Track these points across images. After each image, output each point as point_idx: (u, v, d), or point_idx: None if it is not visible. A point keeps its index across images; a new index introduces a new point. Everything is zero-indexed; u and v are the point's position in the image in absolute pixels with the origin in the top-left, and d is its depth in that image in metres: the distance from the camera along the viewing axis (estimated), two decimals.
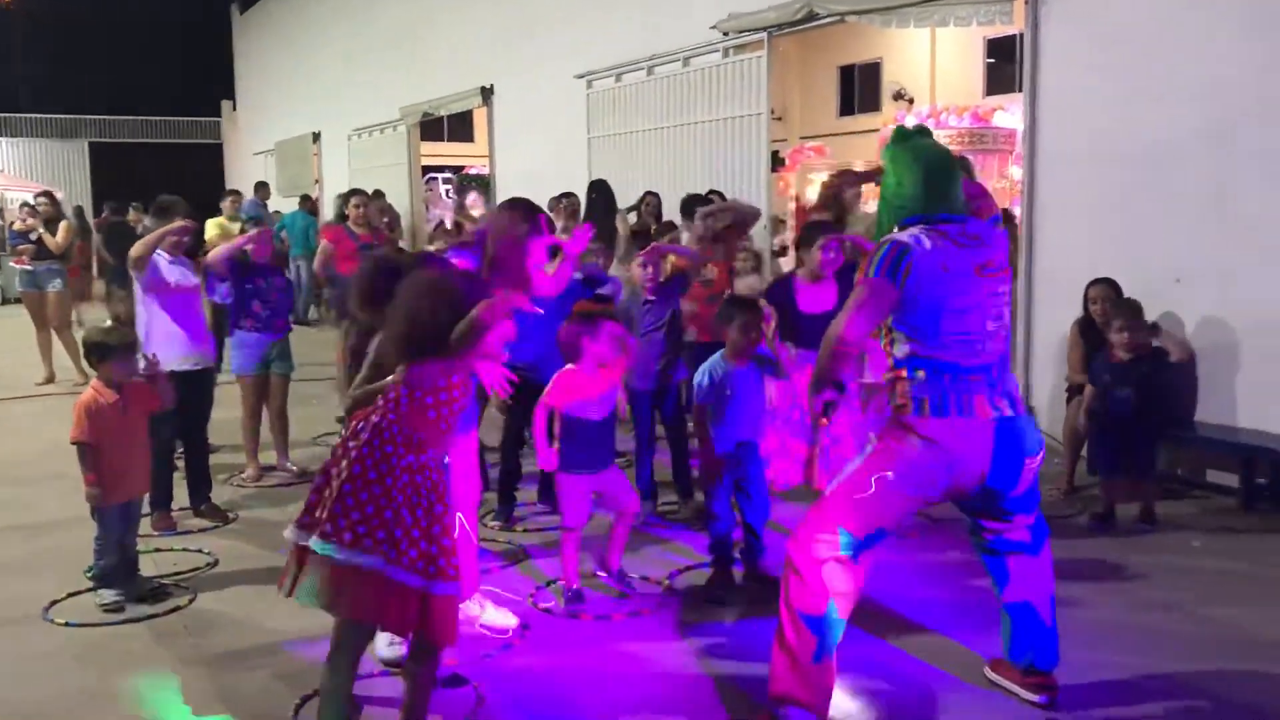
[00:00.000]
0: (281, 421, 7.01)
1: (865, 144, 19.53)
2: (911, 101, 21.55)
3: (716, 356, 4.84)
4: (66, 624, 4.54)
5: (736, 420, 4.73)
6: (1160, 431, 5.79)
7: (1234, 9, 6.16)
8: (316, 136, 20.85)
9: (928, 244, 3.38)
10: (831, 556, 3.40)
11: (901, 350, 3.48)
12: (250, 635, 4.42)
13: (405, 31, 17.09)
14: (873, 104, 22.13)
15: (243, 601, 4.79)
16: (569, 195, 9.58)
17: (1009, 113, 18.76)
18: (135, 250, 5.91)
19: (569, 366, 4.62)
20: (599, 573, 4.81)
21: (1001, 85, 20.24)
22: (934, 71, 21.36)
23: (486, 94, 14.41)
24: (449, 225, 13.42)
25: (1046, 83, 7.19)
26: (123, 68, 32.35)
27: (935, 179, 3.50)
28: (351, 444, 3.20)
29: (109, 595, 4.70)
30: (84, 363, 5.01)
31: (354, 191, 9.04)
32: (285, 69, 23.08)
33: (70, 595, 4.84)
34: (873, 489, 3.42)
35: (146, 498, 5.27)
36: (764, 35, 9.38)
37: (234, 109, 28.38)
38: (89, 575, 4.92)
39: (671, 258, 6.24)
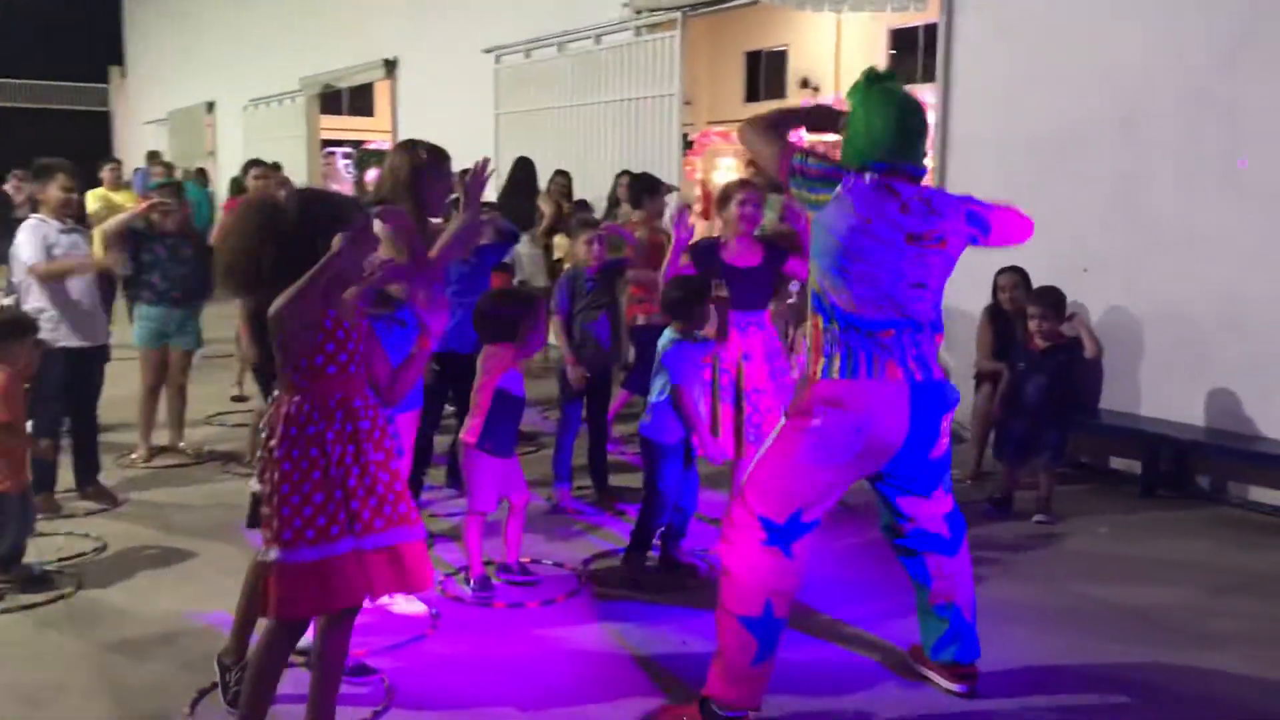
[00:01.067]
0: (180, 399, 6.71)
1: None
2: (817, 89, 21.75)
3: (670, 334, 4.70)
4: None
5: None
6: (1069, 419, 5.86)
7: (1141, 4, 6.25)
8: (211, 106, 20.16)
9: (870, 196, 3.26)
10: (757, 548, 3.31)
11: (820, 293, 3.36)
12: (140, 624, 4.18)
13: None
14: (778, 91, 22.27)
15: (133, 589, 4.55)
16: (626, 173, 9.38)
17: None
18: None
19: (502, 344, 4.46)
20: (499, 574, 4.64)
21: (904, 76, 20.55)
22: (839, 60, 21.58)
23: (390, 66, 14.04)
24: None
25: (959, 69, 7.23)
26: (4, 29, 30.83)
27: (907, 125, 3.35)
28: (272, 444, 2.94)
29: None
30: None
31: (253, 162, 8.72)
32: (179, 35, 22.22)
33: None
34: (783, 468, 3.32)
35: None
36: (678, 15, 9.28)
37: (123, 76, 27.27)
38: None
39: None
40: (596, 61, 10.33)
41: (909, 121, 3.36)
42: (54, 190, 5.54)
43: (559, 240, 8.24)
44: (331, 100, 18.49)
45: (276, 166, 11.78)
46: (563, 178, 9.70)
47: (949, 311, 7.13)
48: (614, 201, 9.04)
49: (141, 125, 23.87)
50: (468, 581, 4.50)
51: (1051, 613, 4.40)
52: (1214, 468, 6.01)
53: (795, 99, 21.47)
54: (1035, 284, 6.12)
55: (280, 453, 2.89)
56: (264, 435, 3.00)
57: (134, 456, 6.52)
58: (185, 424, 6.85)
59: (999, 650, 3.90)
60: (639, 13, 9.71)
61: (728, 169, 16.13)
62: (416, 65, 13.65)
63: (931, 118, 8.87)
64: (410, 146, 4.22)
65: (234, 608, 3.62)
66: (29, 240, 5.44)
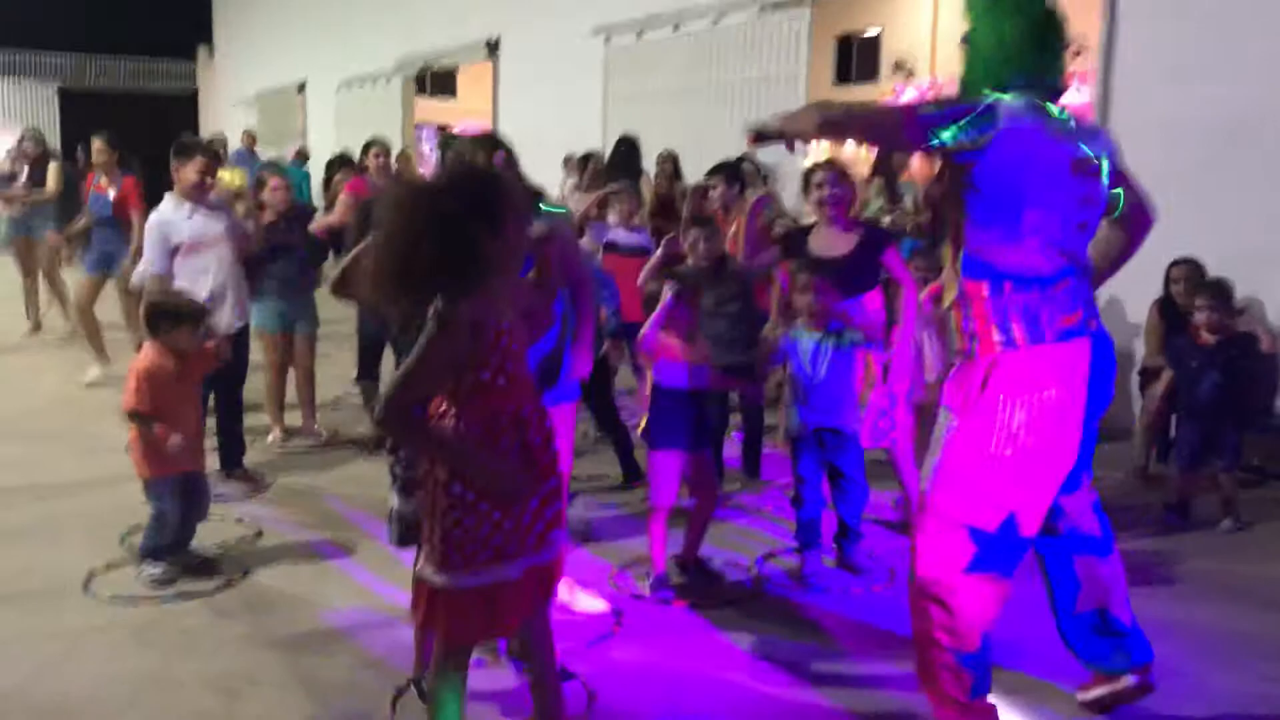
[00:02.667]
0: (308, 384, 6.62)
1: None
2: (911, 73, 21.28)
3: (797, 325, 4.50)
4: (114, 597, 4.16)
5: (815, 398, 4.41)
6: (1246, 419, 5.53)
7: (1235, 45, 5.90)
8: (302, 86, 20.19)
9: (1027, 122, 2.79)
10: (969, 567, 2.92)
11: (975, 249, 2.91)
12: (315, 616, 4.06)
13: None
14: (870, 73, 21.80)
15: (298, 578, 4.43)
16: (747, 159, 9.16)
17: None
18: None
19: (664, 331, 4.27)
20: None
21: None
22: (935, 44, 21.06)
23: (493, 47, 13.89)
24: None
25: (1124, 45, 6.89)
26: (94, 5, 31.21)
27: (1046, 31, 2.91)
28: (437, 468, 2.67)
29: (156, 569, 4.31)
30: (140, 324, 4.57)
31: (373, 142, 8.58)
32: (269, 14, 22.29)
33: (110, 567, 4.46)
34: (978, 463, 2.88)
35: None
36: None
37: (211, 55, 27.48)
38: (126, 544, 4.55)
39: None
40: (715, 41, 10.09)
41: (1048, 26, 2.92)
42: (190, 171, 5.42)
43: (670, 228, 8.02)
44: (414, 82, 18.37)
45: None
46: (668, 161, 9.46)
47: (1112, 305, 6.98)
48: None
49: (231, 106, 23.98)
50: (646, 577, 4.31)
51: (1231, 630, 4.05)
52: None
53: (888, 83, 21.04)
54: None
55: (447, 475, 2.63)
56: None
57: (270, 439, 6.43)
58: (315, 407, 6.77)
59: (1174, 668, 3.59)
60: None
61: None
62: (520, 47, 13.49)
63: (1079, 98, 8.50)
64: (492, 145, 3.75)
65: (401, 604, 3.53)
66: (147, 231, 5.38)
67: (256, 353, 6.14)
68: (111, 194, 8.44)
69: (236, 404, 5.68)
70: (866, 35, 21.94)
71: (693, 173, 9.45)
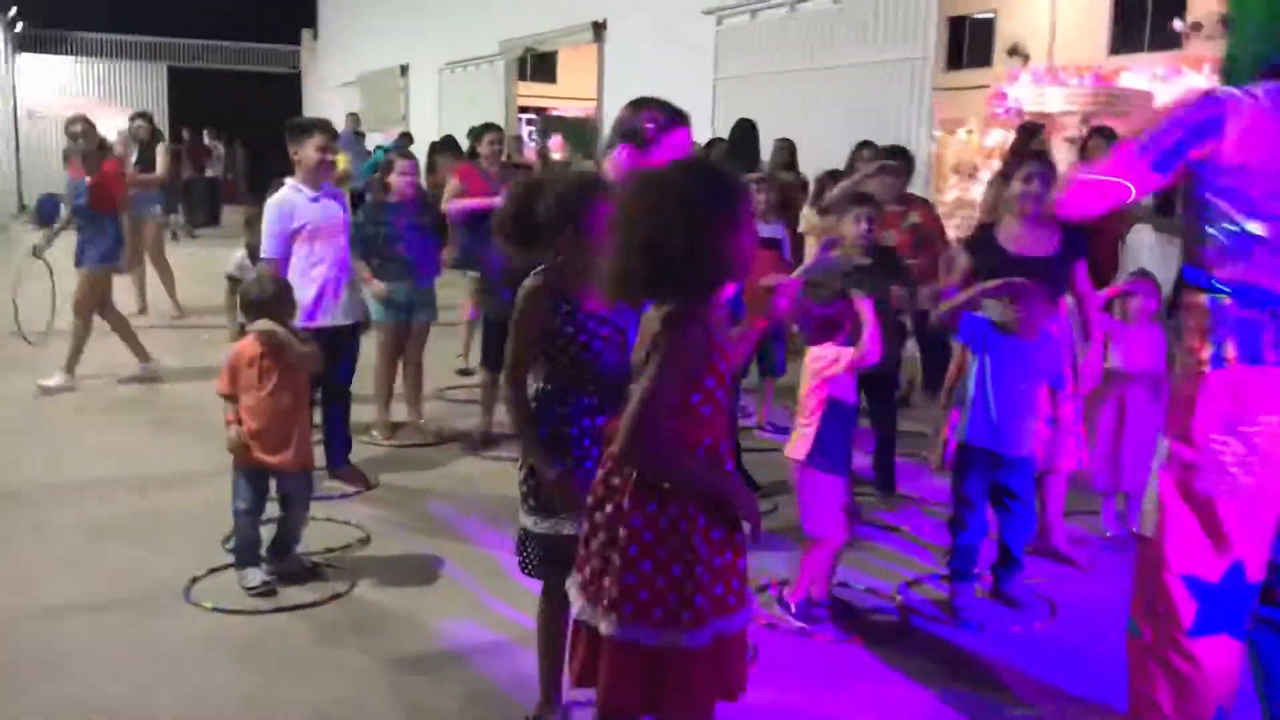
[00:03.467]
0: (418, 375, 6.36)
1: (975, 99, 18.54)
2: (1027, 58, 20.47)
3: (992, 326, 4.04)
4: (215, 609, 3.93)
5: (1001, 402, 3.96)
6: None
7: None
8: (405, 69, 20.13)
9: (1270, 106, 2.42)
10: (1194, 629, 2.53)
11: (1197, 259, 2.54)
12: (424, 636, 3.78)
13: None
14: (983, 59, 21.05)
15: (409, 594, 4.15)
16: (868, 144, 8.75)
17: (1134, 73, 17.73)
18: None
19: (828, 345, 3.88)
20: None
21: (1127, 45, 19.18)
22: (1054, 27, 20.24)
23: (599, 29, 13.58)
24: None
25: None
26: None
27: None
28: (628, 504, 2.28)
29: (256, 577, 4.07)
30: (238, 315, 4.33)
31: (487, 126, 8.30)
32: None
33: (211, 571, 4.23)
34: (1194, 500, 2.51)
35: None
36: None
37: (314, 38, 27.68)
38: (227, 547, 4.32)
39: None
40: (832, 21, 9.64)
41: None
42: (309, 150, 5.16)
43: (805, 214, 7.59)
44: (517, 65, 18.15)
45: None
46: (785, 145, 9.04)
47: None
48: (850, 173, 8.37)
49: (334, 88, 24.09)
50: (782, 601, 3.94)
51: None
52: None
53: (1001, 68, 20.28)
54: None
55: (639, 519, 2.27)
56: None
57: (375, 434, 6.18)
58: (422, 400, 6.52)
59: None
60: None
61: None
62: (627, 28, 13.15)
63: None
64: (638, 107, 3.32)
65: (518, 629, 3.30)
66: (266, 212, 5.13)
67: (367, 343, 5.90)
68: (88, 180, 7.37)
69: (343, 399, 5.43)
70: (979, 17, 21.21)
71: (805, 160, 9.05)
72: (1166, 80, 17.02)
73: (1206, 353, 2.52)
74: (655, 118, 3.24)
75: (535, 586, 3.02)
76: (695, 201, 2.22)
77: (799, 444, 3.86)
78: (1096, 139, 7.18)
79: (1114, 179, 2.58)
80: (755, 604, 3.71)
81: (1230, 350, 2.48)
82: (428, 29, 19.15)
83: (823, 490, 3.84)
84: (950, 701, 3.42)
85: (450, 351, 8.02)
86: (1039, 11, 20.36)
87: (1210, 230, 2.50)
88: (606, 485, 2.36)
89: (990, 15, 21.02)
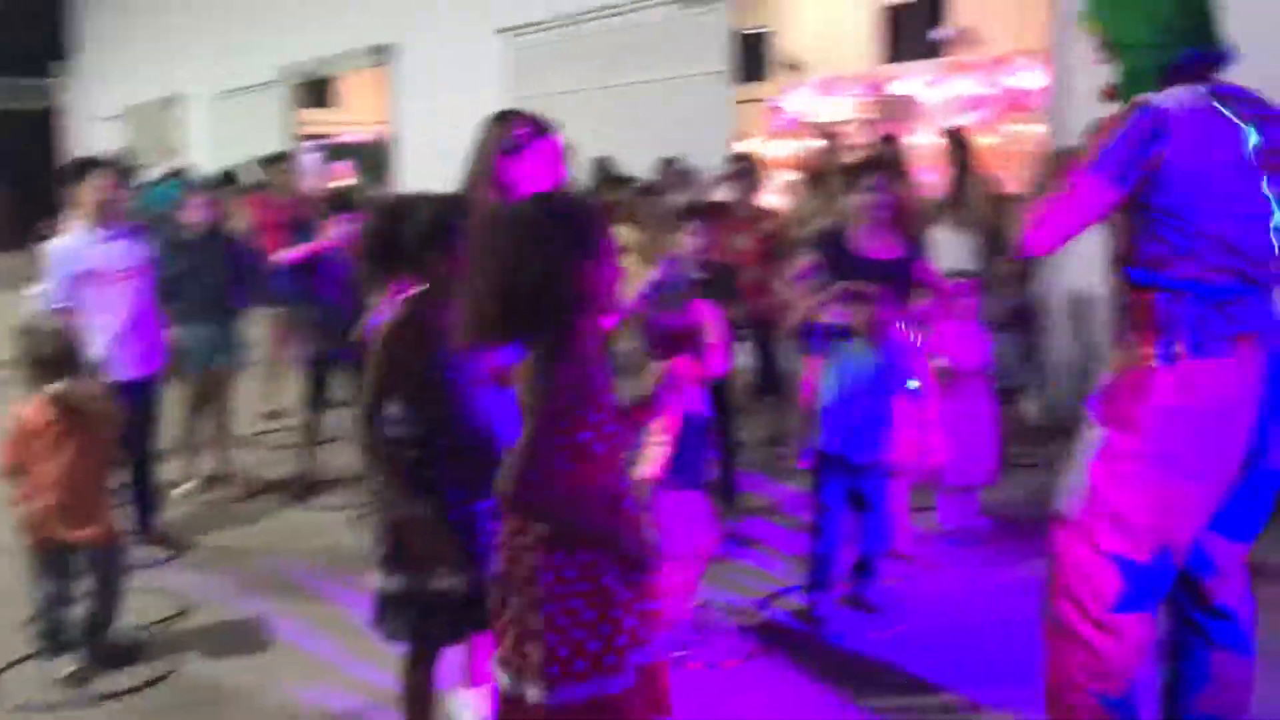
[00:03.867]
0: (226, 422, 5.94)
1: (755, 113, 19.05)
2: (803, 71, 21.15)
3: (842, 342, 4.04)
4: (20, 708, 3.49)
5: (854, 411, 3.96)
6: None
7: None
8: (175, 100, 19.10)
9: (1201, 107, 2.48)
10: (1118, 605, 2.57)
11: (1142, 261, 2.56)
12: (268, 710, 3.46)
13: None
14: (760, 73, 21.63)
15: (243, 664, 3.81)
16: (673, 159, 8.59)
17: (905, 80, 18.60)
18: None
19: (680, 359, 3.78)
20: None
21: (896, 54, 20.06)
22: (826, 40, 20.97)
23: (385, 52, 13.19)
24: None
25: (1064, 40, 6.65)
26: None
27: (1199, 1, 2.58)
28: (537, 560, 2.13)
29: (67, 665, 3.65)
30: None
31: (279, 155, 7.93)
32: (137, 24, 21.03)
33: (10, 665, 3.77)
34: (1135, 485, 2.53)
35: None
36: None
37: (69, 71, 25.99)
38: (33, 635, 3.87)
39: None
40: (631, 38, 9.65)
41: None
42: (87, 191, 4.67)
43: (621, 231, 7.53)
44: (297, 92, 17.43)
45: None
46: (604, 165, 9.01)
47: (1085, 300, 6.75)
48: (658, 190, 8.39)
49: (99, 122, 22.66)
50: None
51: None
52: None
53: (779, 82, 20.90)
54: None
55: (550, 574, 2.12)
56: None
57: (182, 491, 5.72)
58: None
59: None
60: None
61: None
62: (417, 50, 12.80)
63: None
64: (503, 119, 3.21)
65: (373, 690, 3.18)
66: (50, 263, 4.67)
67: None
68: None
69: (148, 457, 4.99)
70: (753, 32, 21.84)
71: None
72: (934, 86, 17.96)
73: (1155, 348, 2.55)
74: (524, 126, 3.14)
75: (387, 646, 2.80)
76: (547, 237, 2.10)
77: (651, 462, 3.74)
78: (887, 147, 7.45)
79: (1080, 203, 2.56)
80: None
81: (1179, 346, 2.52)
82: (199, 57, 18.21)
83: (681, 507, 3.74)
84: (822, 711, 3.37)
85: (255, 394, 7.56)
86: (811, 25, 21.08)
87: (1159, 232, 2.52)
88: (511, 545, 2.19)
89: (764, 30, 21.63)
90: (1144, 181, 2.50)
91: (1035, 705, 2.84)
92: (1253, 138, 2.51)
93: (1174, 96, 2.51)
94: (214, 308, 5.65)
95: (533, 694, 2.12)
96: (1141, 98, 2.53)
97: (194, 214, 5.60)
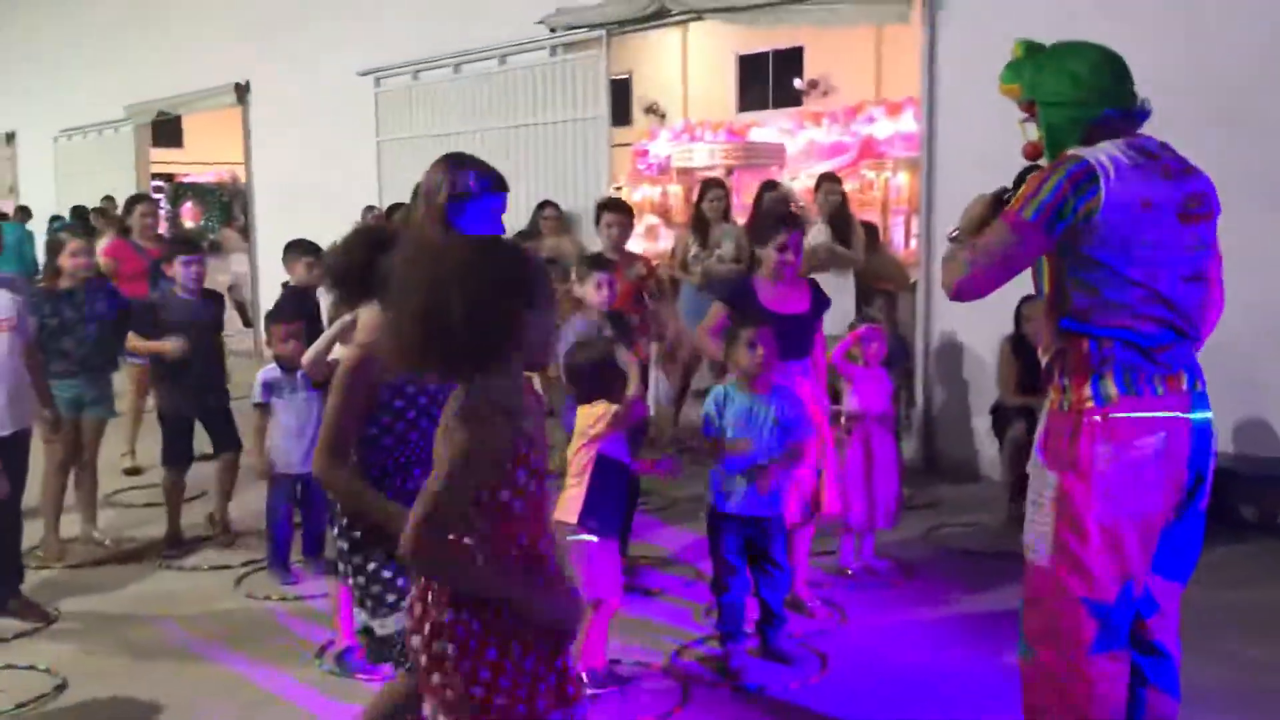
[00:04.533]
0: (92, 478, 5.59)
1: (619, 156, 19.22)
2: (664, 116, 21.49)
3: (727, 385, 4.06)
4: None
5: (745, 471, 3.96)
6: None
7: (1136, 19, 6.02)
8: (10, 137, 18.17)
9: (1126, 163, 2.58)
10: (1095, 647, 2.63)
11: (1075, 310, 2.64)
12: None
13: (133, 15, 15.00)
14: (623, 118, 21.86)
15: None
16: (550, 204, 8.48)
17: (763, 128, 19.06)
18: None
19: (599, 404, 3.73)
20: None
21: (754, 102, 20.56)
22: (686, 87, 21.37)
23: (242, 91, 12.80)
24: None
25: (943, 89, 6.89)
26: None
27: (1118, 65, 2.72)
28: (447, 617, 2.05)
29: None
30: None
31: (138, 198, 7.56)
32: None
33: None
34: (1087, 527, 2.60)
35: None
36: (601, 34, 8.66)
37: None
38: None
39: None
40: (502, 83, 9.58)
41: (1115, 64, 2.74)
42: None
43: None
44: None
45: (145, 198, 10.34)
46: None
47: (957, 342, 6.95)
48: (533, 234, 8.36)
49: None
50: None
51: (1225, 687, 3.82)
52: (1258, 497, 5.79)
53: (642, 124, 21.17)
54: None
55: (452, 617, 2.04)
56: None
57: (43, 554, 5.34)
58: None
59: None
60: (554, 31, 9.03)
61: None
62: (274, 90, 12.46)
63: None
64: (455, 165, 3.12)
65: None
66: None
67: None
68: None
69: (15, 520, 4.66)
70: (616, 78, 22.11)
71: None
72: (792, 133, 18.45)
73: (1089, 391, 2.62)
74: (477, 174, 3.06)
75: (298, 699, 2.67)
76: (478, 275, 2.03)
77: (569, 505, 3.68)
78: (828, 184, 7.59)
79: (1014, 251, 2.63)
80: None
81: (1112, 389, 2.61)
82: (38, 92, 17.35)
83: (596, 553, 3.67)
84: None
85: (115, 448, 7.14)
86: (671, 72, 21.45)
87: (1089, 281, 2.61)
88: (422, 599, 2.08)
89: (626, 76, 21.88)
90: (1074, 231, 2.58)
91: None
92: (1175, 184, 2.64)
93: (1101, 150, 2.60)
94: (90, 359, 5.35)
95: None
96: (1071, 151, 2.63)
97: (71, 262, 5.26)
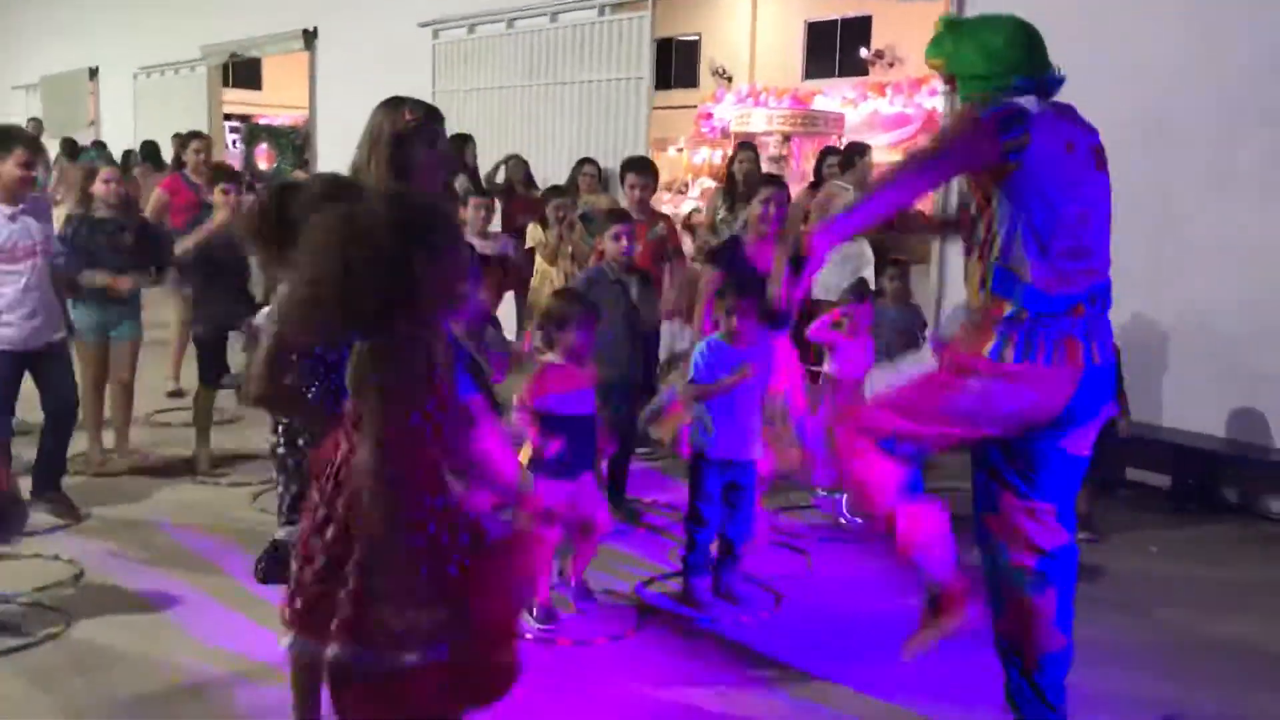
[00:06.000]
0: (126, 398, 5.98)
1: (683, 119, 19.35)
2: (730, 79, 21.52)
3: (712, 338, 4.30)
4: None
5: (732, 417, 4.20)
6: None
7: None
8: (94, 72, 18.79)
9: (1049, 116, 2.80)
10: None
11: (1010, 269, 2.84)
12: (156, 674, 3.58)
13: None
14: (690, 80, 21.94)
15: (133, 627, 3.93)
16: (589, 161, 8.60)
17: (827, 96, 19.04)
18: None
19: (545, 357, 4.00)
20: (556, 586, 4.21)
21: (820, 69, 20.52)
22: (754, 51, 21.38)
23: (309, 37, 13.18)
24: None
25: None
26: None
27: (1026, 30, 2.92)
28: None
29: None
30: None
31: (193, 134, 7.94)
32: None
33: None
34: (913, 401, 2.97)
35: None
36: None
37: None
38: None
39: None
40: (552, 40, 9.81)
41: (1024, 27, 2.94)
42: (10, 166, 4.70)
43: (531, 229, 7.70)
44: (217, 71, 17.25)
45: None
46: (518, 161, 9.19)
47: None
48: (570, 189, 8.59)
49: (10, 90, 22.16)
50: (530, 613, 4.01)
51: (1156, 650, 4.07)
52: (1242, 480, 5.91)
53: (709, 88, 21.23)
54: None
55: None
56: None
57: (84, 464, 5.76)
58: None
59: (1110, 705, 3.53)
60: None
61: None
62: (340, 37, 12.83)
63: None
64: (394, 105, 3.25)
65: (252, 663, 3.29)
66: None
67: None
68: None
69: (69, 419, 5.10)
70: (685, 39, 22.10)
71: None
72: (855, 103, 18.42)
73: (987, 348, 2.87)
74: (415, 112, 3.21)
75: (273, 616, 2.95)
76: (381, 235, 2.20)
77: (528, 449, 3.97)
78: (831, 158, 7.73)
79: (962, 150, 2.85)
80: None
81: (1009, 354, 2.85)
82: (121, 30, 17.96)
83: (560, 492, 3.93)
84: (693, 684, 3.60)
85: (159, 373, 7.59)
86: (740, 36, 21.44)
87: (1022, 240, 2.82)
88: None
89: (695, 37, 21.92)
90: (1010, 165, 2.78)
91: (884, 685, 3.13)
92: (1088, 135, 2.90)
93: (1021, 99, 2.83)
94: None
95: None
96: (1012, 100, 2.83)
97: (103, 189, 5.62)
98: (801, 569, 4.77)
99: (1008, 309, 2.87)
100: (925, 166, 2.91)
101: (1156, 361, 6.13)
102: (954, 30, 3.01)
